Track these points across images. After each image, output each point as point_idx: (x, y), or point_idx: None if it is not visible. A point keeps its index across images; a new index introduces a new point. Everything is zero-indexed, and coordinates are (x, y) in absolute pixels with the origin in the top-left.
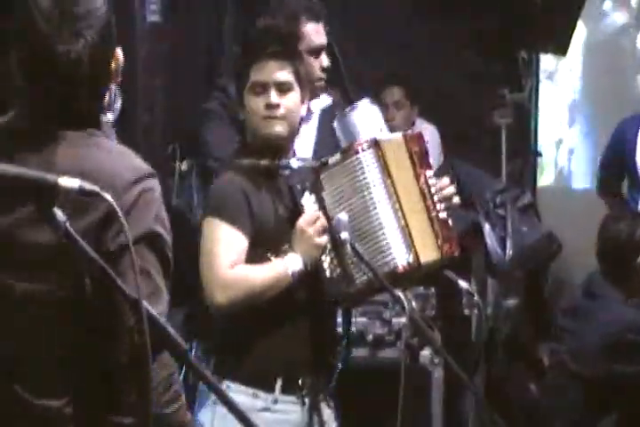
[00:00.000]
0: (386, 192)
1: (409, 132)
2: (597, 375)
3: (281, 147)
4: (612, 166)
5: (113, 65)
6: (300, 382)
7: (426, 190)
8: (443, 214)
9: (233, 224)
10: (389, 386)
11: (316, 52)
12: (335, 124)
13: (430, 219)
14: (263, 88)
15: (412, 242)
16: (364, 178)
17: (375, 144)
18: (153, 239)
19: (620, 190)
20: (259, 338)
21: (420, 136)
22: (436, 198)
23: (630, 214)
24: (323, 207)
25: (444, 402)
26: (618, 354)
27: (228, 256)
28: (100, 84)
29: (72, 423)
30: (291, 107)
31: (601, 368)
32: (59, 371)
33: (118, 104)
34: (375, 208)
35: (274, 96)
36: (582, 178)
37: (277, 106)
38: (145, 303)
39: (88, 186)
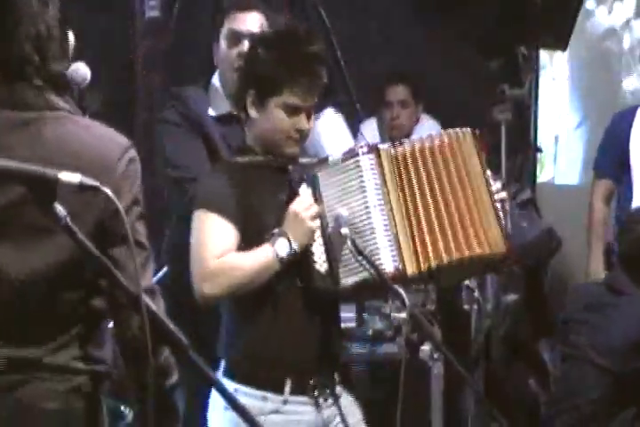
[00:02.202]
0: (380, 198)
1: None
2: (625, 370)
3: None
4: (607, 160)
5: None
6: (311, 381)
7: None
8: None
9: (221, 214)
10: (389, 381)
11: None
12: None
13: (494, 215)
14: (298, 110)
15: (400, 251)
16: (361, 181)
17: (374, 150)
18: (139, 207)
19: (614, 184)
20: (266, 340)
21: (482, 138)
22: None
23: None
24: (319, 200)
25: (444, 398)
26: None
27: (215, 246)
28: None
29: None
30: (309, 128)
31: (629, 363)
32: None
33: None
34: (369, 212)
35: (306, 122)
36: (582, 174)
37: (306, 130)
38: (146, 299)
39: (89, 181)
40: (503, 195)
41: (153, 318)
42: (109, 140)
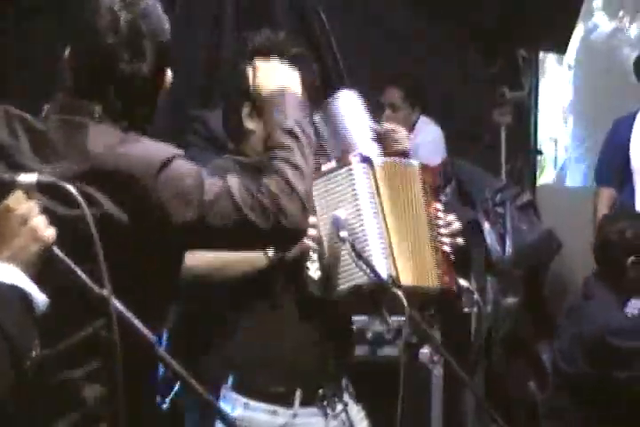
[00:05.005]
0: (374, 206)
1: (427, 164)
2: (581, 376)
3: None
4: (609, 167)
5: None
6: (320, 392)
7: (433, 220)
8: (446, 247)
9: None
10: (389, 384)
11: None
12: (316, 118)
13: (434, 247)
14: None
15: (394, 261)
16: (354, 189)
17: (368, 160)
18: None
19: (617, 190)
20: (272, 353)
21: (435, 171)
22: (442, 231)
23: (627, 215)
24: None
25: (443, 401)
26: (599, 357)
27: None
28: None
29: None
30: None
31: (583, 369)
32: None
33: None
34: (361, 220)
35: None
36: (582, 176)
37: None
38: (114, 300)
39: (45, 179)
40: (457, 225)
41: (120, 318)
42: (156, 147)
